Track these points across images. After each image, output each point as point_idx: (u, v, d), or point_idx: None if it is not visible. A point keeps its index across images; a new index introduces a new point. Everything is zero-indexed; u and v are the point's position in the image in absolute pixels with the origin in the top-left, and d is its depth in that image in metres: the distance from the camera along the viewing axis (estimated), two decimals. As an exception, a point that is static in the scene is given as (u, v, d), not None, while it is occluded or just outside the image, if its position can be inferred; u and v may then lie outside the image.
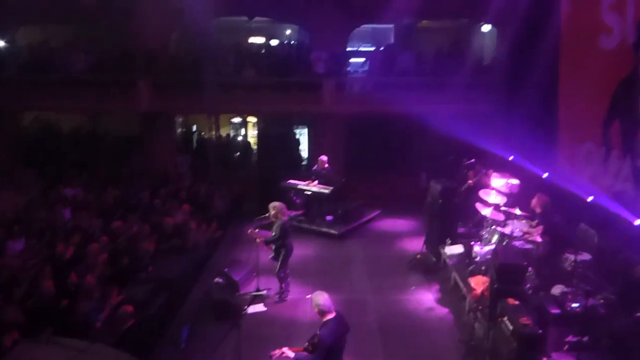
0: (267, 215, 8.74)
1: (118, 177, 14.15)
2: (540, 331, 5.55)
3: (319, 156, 12.41)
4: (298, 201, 12.58)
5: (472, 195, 10.29)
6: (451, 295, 8.85)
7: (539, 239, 7.94)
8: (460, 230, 10.12)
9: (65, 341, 4.11)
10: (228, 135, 18.19)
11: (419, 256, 10.19)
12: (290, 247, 8.66)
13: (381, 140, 15.51)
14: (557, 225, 8.48)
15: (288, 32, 18.70)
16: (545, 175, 10.28)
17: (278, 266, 8.54)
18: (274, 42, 16.86)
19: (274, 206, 8.54)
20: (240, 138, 18.68)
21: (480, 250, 8.51)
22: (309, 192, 12.09)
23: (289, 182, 12.44)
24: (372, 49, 16.01)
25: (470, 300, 7.75)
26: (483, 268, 8.21)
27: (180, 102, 14.69)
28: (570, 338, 6.31)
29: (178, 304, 8.50)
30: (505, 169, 10.44)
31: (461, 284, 8.35)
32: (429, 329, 7.94)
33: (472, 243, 8.88)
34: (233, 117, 18.93)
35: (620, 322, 6.32)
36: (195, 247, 10.12)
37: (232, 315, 7.81)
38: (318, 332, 5.21)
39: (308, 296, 8.57)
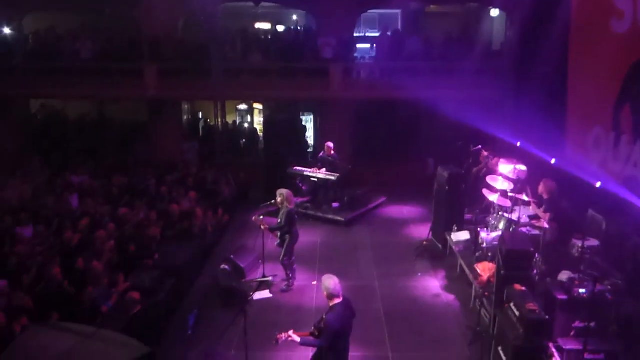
0: (273, 202, 8.73)
1: (124, 164, 14.20)
2: (547, 317, 5.52)
3: (326, 143, 12.35)
4: (304, 188, 12.57)
5: (479, 182, 10.22)
6: (457, 281, 8.83)
7: (546, 225, 7.87)
8: (467, 216, 10.06)
9: (73, 326, 4.14)
10: (234, 122, 18.17)
11: (425, 243, 10.18)
12: (296, 235, 8.65)
13: (388, 126, 15.42)
14: (565, 211, 8.41)
15: (295, 17, 18.56)
16: (553, 161, 10.17)
17: (282, 253, 8.55)
18: (281, 28, 16.73)
19: (281, 193, 8.52)
20: (246, 125, 18.66)
21: (487, 236, 8.46)
22: (316, 179, 12.06)
23: (296, 169, 12.42)
24: (379, 34, 15.84)
25: (477, 286, 7.73)
26: (490, 254, 8.18)
27: (186, 89, 14.67)
28: (577, 324, 6.27)
29: (185, 291, 8.57)
30: (513, 154, 10.33)
31: (467, 271, 8.32)
32: (435, 315, 7.94)
33: (479, 229, 8.83)
34: (239, 104, 18.90)
35: (628, 308, 6.28)
36: (202, 234, 10.16)
37: (239, 301, 7.83)
38: (324, 317, 5.21)
39: (314, 282, 8.67)
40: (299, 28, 16.65)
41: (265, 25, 17.27)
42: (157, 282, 7.78)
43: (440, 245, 9.89)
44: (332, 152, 12.13)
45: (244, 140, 17.17)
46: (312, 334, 5.33)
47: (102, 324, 6.68)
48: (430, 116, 14.04)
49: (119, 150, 15.73)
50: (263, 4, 15.75)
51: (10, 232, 9.22)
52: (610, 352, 5.77)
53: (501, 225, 8.58)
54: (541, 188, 8.37)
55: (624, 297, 6.50)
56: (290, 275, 8.69)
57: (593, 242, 7.51)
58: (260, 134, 16.96)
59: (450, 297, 8.43)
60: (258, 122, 18.45)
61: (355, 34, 15.86)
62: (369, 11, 16.01)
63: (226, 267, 8.79)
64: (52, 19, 16.19)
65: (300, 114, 16.82)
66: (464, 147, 12.18)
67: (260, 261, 9.14)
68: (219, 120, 14.95)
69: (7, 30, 15.67)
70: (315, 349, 5.47)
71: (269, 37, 15.96)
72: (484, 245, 8.38)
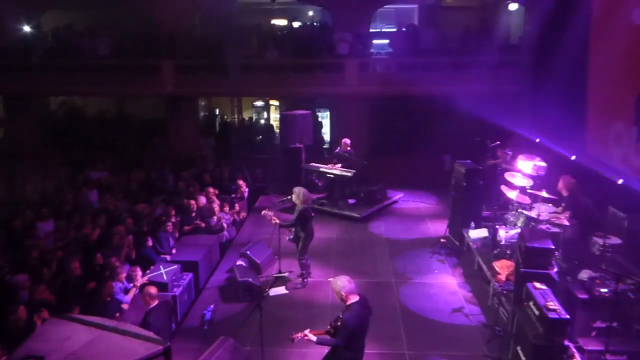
0: (289, 198, 8.72)
1: (142, 160, 14.33)
2: (568, 316, 5.43)
3: (342, 139, 12.31)
4: (320, 184, 12.56)
5: (497, 178, 10.10)
6: (475, 279, 8.74)
7: (566, 223, 7.74)
8: (485, 213, 9.95)
9: (92, 319, 4.18)
10: (251, 118, 18.23)
11: (442, 240, 10.10)
12: (311, 232, 8.60)
13: (404, 122, 15.34)
14: (586, 208, 8.25)
15: (310, 13, 18.53)
16: (573, 157, 10.01)
17: (299, 251, 8.54)
18: (297, 24, 16.71)
19: (297, 192, 8.48)
20: (262, 121, 18.70)
21: (505, 233, 8.36)
22: (332, 175, 12.03)
23: (312, 165, 12.40)
24: (396, 29, 15.73)
25: (495, 284, 7.64)
26: (508, 252, 8.08)
27: (203, 86, 14.76)
28: (598, 324, 6.17)
29: (201, 286, 8.62)
30: (532, 150, 10.18)
31: (485, 268, 8.23)
32: (452, 313, 7.85)
33: (497, 226, 8.72)
34: (255, 100, 18.96)
35: (651, 308, 6.15)
36: (219, 230, 10.22)
37: (254, 297, 7.88)
38: (341, 316, 5.18)
39: (329, 279, 8.65)
40: (314, 24, 16.61)
41: (281, 22, 17.27)
42: (175, 276, 7.84)
43: (457, 242, 9.80)
44: (349, 148, 12.09)
45: (260, 137, 17.21)
46: (327, 332, 5.30)
47: (120, 318, 6.77)
48: (446, 111, 13.93)
49: (137, 147, 15.88)
50: (279, 0, 15.73)
51: (32, 227, 9.37)
52: (633, 353, 5.67)
53: (520, 223, 8.47)
54: (560, 184, 8.24)
55: (647, 297, 6.37)
56: (305, 271, 8.69)
57: (615, 240, 7.36)
58: (277, 130, 16.98)
59: (467, 295, 8.35)
60: (274, 118, 18.49)
61: (371, 30, 15.77)
62: (385, 6, 15.89)
63: (242, 262, 8.84)
64: (70, 16, 16.40)
65: (317, 110, 16.81)
66: (481, 142, 12.05)
67: (276, 257, 9.17)
68: (236, 116, 15.00)
69: (26, 28, 15.90)
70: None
71: (285, 33, 15.96)
72: (502, 242, 8.28)
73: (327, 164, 12.21)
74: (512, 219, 8.70)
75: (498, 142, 11.20)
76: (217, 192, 11.52)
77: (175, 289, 7.67)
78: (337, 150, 12.34)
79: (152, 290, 6.38)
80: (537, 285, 5.97)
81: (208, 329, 7.34)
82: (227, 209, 11.00)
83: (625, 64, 8.91)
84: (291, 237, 8.63)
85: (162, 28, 14.96)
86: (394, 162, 13.94)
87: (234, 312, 7.80)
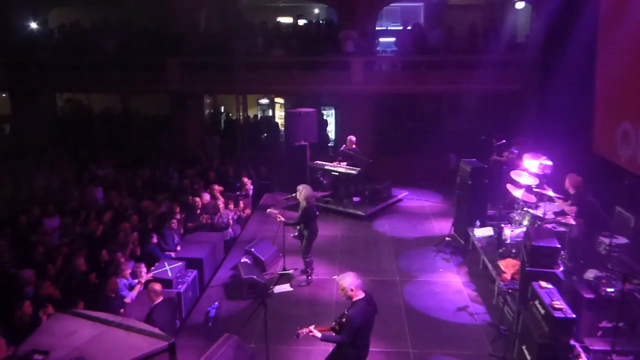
0: (293, 195, 8.71)
1: (148, 157, 14.36)
2: (574, 316, 5.39)
3: (347, 136, 12.29)
4: (325, 182, 12.54)
5: (502, 177, 10.06)
6: (480, 278, 8.71)
7: (572, 222, 7.70)
8: (490, 212, 9.91)
9: (97, 315, 4.19)
10: (256, 116, 18.24)
11: (447, 238, 10.06)
12: (315, 230, 8.59)
13: (410, 120, 15.31)
14: (592, 207, 8.21)
15: (316, 11, 18.51)
16: (579, 156, 9.94)
17: (303, 249, 8.53)
18: (302, 22, 16.70)
19: (301, 191, 8.46)
20: (268, 119, 18.70)
21: (510, 232, 8.32)
22: (336, 173, 12.02)
23: (316, 163, 12.39)
24: (401, 27, 15.69)
25: (500, 283, 7.61)
26: (514, 251, 8.05)
27: (208, 83, 14.77)
28: (604, 324, 6.14)
29: (206, 283, 8.63)
30: (538, 149, 10.13)
31: (490, 267, 8.19)
32: (457, 311, 7.82)
33: (502, 225, 8.69)
34: (261, 98, 18.97)
35: (658, 308, 6.11)
36: (223, 227, 10.23)
37: (259, 294, 7.88)
38: (346, 312, 5.18)
39: (334, 277, 8.63)
40: (320, 22, 16.60)
41: (286, 19, 17.27)
42: (179, 273, 7.85)
43: (462, 241, 9.76)
44: (354, 145, 12.06)
45: (265, 134, 17.21)
46: (332, 329, 5.30)
47: (125, 314, 6.79)
48: (452, 110, 13.92)
49: (142, 143, 15.92)
50: (285, -2, 15.76)
51: (38, 223, 9.40)
52: (639, 354, 5.61)
53: (525, 221, 8.44)
54: (567, 183, 8.20)
55: (654, 297, 6.32)
56: (308, 269, 8.68)
57: (621, 239, 7.33)
58: (282, 128, 16.98)
59: (472, 294, 8.32)
60: (279, 115, 18.48)
61: (377, 28, 15.73)
62: (390, 4, 15.85)
63: (247, 259, 8.84)
64: (77, 13, 16.44)
65: (322, 108, 16.80)
66: (487, 141, 12.01)
67: (280, 254, 9.16)
68: (241, 113, 15.01)
69: (33, 25, 15.96)
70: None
71: (291, 31, 15.94)
72: (508, 241, 8.25)
73: (332, 162, 12.19)
74: (517, 218, 8.67)
75: (504, 141, 11.15)
76: (221, 189, 11.53)
77: (180, 286, 7.69)
78: (342, 148, 12.31)
79: (157, 286, 6.40)
80: (543, 284, 5.93)
81: (212, 325, 7.35)
82: (231, 206, 11.02)
83: (633, 62, 8.84)
84: (295, 234, 8.63)
85: (168, 25, 14.99)
86: (399, 160, 13.92)
87: (238, 309, 7.81)
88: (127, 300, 7.23)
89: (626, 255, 7.26)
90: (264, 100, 19.07)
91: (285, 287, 8.43)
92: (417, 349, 6.90)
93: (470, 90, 13.54)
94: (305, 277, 8.66)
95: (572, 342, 5.49)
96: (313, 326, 5.29)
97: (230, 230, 10.39)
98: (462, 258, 9.51)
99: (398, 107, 15.22)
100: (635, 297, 6.18)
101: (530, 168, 9.07)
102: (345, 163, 11.95)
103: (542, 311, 5.56)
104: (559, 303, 5.46)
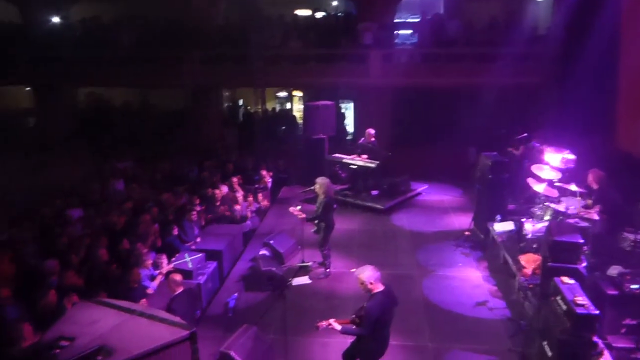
0: (312, 188, 8.72)
1: (167, 150, 14.50)
2: (597, 312, 5.31)
3: (365, 129, 12.25)
4: (343, 175, 12.53)
5: (523, 171, 9.93)
6: (500, 273, 8.62)
7: (595, 217, 7.57)
8: (511, 206, 9.79)
9: (120, 303, 4.26)
10: (274, 109, 18.27)
11: (466, 232, 9.98)
12: (331, 223, 8.59)
13: (428, 113, 15.17)
14: (616, 202, 8.05)
15: (334, 3, 18.42)
16: (600, 150, 9.76)
17: (320, 242, 8.54)
18: (320, 15, 16.64)
19: (321, 183, 8.46)
20: (286, 112, 18.73)
21: (531, 227, 8.21)
22: (355, 166, 11.98)
23: (335, 156, 12.37)
24: (420, 19, 15.54)
25: (521, 278, 7.53)
26: (535, 246, 7.93)
27: (226, 76, 14.82)
28: (628, 321, 6.03)
29: (225, 274, 8.71)
30: (561, 143, 9.98)
31: (511, 262, 8.10)
32: (476, 306, 7.77)
33: (523, 220, 8.58)
34: (279, 91, 19.00)
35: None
36: (242, 219, 10.29)
37: (278, 286, 7.92)
38: (365, 305, 5.18)
39: (352, 270, 8.63)
40: (338, 14, 16.52)
41: (304, 12, 17.22)
42: (199, 265, 7.93)
43: (482, 236, 9.67)
44: (373, 138, 12.01)
45: (284, 127, 17.24)
46: (352, 322, 5.31)
47: (146, 304, 6.89)
48: (472, 103, 13.73)
49: (162, 136, 16.08)
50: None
51: (61, 214, 9.57)
52: (663, 351, 5.52)
53: (547, 216, 8.31)
54: (590, 178, 8.06)
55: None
56: (326, 262, 8.70)
57: (646, 235, 7.17)
58: (299, 121, 16.98)
59: (491, 288, 8.25)
60: (297, 108, 18.49)
61: (395, 20, 15.59)
62: (410, -4, 15.72)
63: (265, 252, 8.88)
64: (98, 7, 16.62)
65: (340, 101, 16.75)
66: (507, 134, 11.86)
67: (299, 247, 9.19)
68: (259, 107, 15.04)
69: (56, 20, 16.19)
70: (354, 337, 5.46)
71: (309, 24, 15.89)
72: (529, 236, 8.13)
73: (350, 155, 12.16)
74: (539, 213, 8.55)
75: (525, 134, 11.00)
76: (240, 181, 11.59)
77: (200, 277, 7.77)
78: (360, 141, 12.27)
79: (177, 277, 6.48)
80: (565, 279, 5.85)
81: (232, 316, 7.41)
82: (250, 198, 11.07)
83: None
84: (315, 229, 8.64)
85: (186, 19, 15.06)
86: (418, 153, 13.81)
87: (257, 300, 7.86)
88: (149, 290, 7.34)
89: (651, 251, 7.10)
90: (282, 93, 19.11)
91: (304, 280, 8.46)
92: (435, 343, 6.88)
93: (490, 83, 13.36)
94: (323, 269, 8.68)
95: (594, 339, 5.41)
96: (333, 319, 5.30)
97: (249, 222, 10.46)
98: (481, 252, 9.43)
99: (417, 100, 15.08)
100: (660, 294, 6.07)
101: (552, 162, 8.94)
102: (364, 156, 11.91)
103: (564, 307, 5.48)
104: (581, 299, 5.38)
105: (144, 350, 3.52)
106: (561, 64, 12.90)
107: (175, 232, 8.86)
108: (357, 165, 11.90)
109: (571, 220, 7.76)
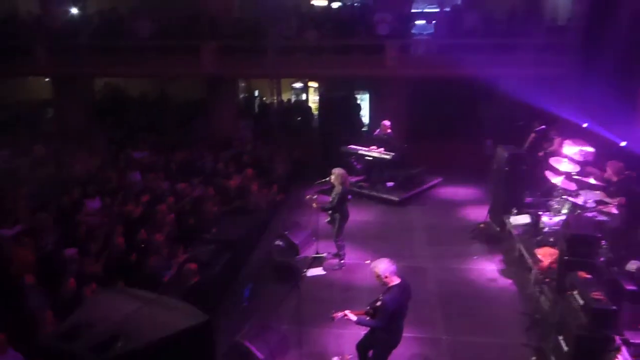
0: (327, 179, 8.72)
1: (183, 141, 14.59)
2: (614, 307, 5.25)
3: (381, 121, 12.18)
4: (359, 167, 12.49)
5: (541, 163, 9.80)
6: (515, 266, 8.56)
7: (614, 211, 7.46)
8: (527, 199, 9.69)
9: (137, 292, 4.32)
10: (289, 100, 18.25)
11: (482, 225, 9.91)
12: (346, 214, 8.60)
13: (445, 105, 15.00)
14: (636, 196, 7.92)
15: (351, -7, 18.24)
16: (623, 143, 9.59)
17: (335, 233, 8.56)
18: (336, 5, 16.53)
19: (337, 173, 8.46)
20: (301, 103, 18.69)
21: (548, 220, 8.13)
22: (370, 158, 11.95)
23: (350, 147, 12.33)
24: (438, 10, 15.35)
25: (537, 272, 7.47)
26: (551, 239, 7.85)
27: (242, 67, 14.80)
28: (646, 317, 5.95)
29: (240, 264, 8.77)
30: (579, 136, 9.82)
31: (527, 255, 8.04)
32: (491, 299, 7.75)
33: (540, 213, 8.49)
34: (294, 82, 18.95)
35: None
36: (257, 210, 10.33)
37: (292, 277, 7.96)
38: (381, 297, 5.19)
39: (367, 262, 8.64)
40: (354, 4, 16.38)
41: (320, 2, 17.11)
42: (214, 255, 8.00)
43: (497, 228, 9.60)
44: (389, 130, 11.95)
45: (299, 118, 17.22)
46: (367, 313, 5.33)
47: (162, 292, 6.98)
48: (489, 95, 13.56)
49: (178, 127, 16.16)
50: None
51: (79, 204, 9.70)
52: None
53: (565, 209, 8.21)
54: (609, 171, 7.94)
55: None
56: (340, 253, 8.71)
57: (666, 230, 7.06)
58: (315, 112, 16.95)
59: (507, 282, 8.20)
60: (313, 100, 18.45)
61: (413, 10, 15.43)
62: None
63: (280, 243, 8.91)
64: (115, -2, 16.69)
65: (356, 92, 16.67)
66: (525, 127, 11.70)
67: (313, 238, 9.21)
68: (275, 98, 15.03)
69: (74, 10, 16.32)
70: (368, 328, 5.47)
71: (325, 14, 15.79)
72: (546, 229, 8.06)
73: (365, 146, 12.11)
74: (556, 206, 8.44)
75: (544, 127, 10.85)
76: (255, 172, 11.63)
77: (215, 267, 7.82)
78: (376, 133, 12.22)
79: (193, 267, 6.54)
80: (582, 274, 5.79)
81: (246, 306, 7.46)
82: (265, 189, 11.10)
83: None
84: (329, 219, 8.65)
85: (202, 9, 15.06)
86: (434, 145, 13.70)
87: (271, 291, 7.91)
88: (165, 279, 7.42)
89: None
90: (298, 84, 19.05)
91: (318, 271, 8.49)
92: (449, 335, 6.89)
93: (509, 74, 13.16)
94: (337, 261, 8.69)
95: (612, 334, 5.35)
96: (348, 310, 5.32)
97: (263, 213, 10.49)
98: (497, 246, 9.36)
99: (433, 92, 14.93)
100: (680, 289, 5.97)
101: (570, 155, 8.82)
102: (380, 148, 11.86)
103: (581, 302, 5.43)
104: (598, 294, 5.33)
105: (161, 337, 3.57)
106: (582, 54, 12.66)
107: (191, 222, 8.93)
108: (373, 157, 11.87)
109: (589, 214, 7.67)
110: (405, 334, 5.58)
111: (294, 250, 8.96)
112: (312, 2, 17.09)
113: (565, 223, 6.87)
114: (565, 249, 6.29)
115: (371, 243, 9.51)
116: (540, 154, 10.62)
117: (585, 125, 10.79)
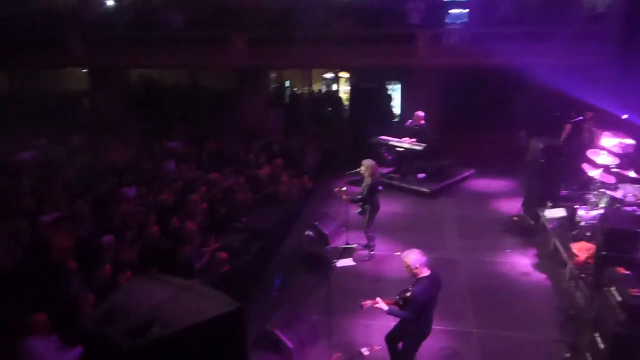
0: (358, 170, 8.70)
1: (215, 131, 14.75)
2: (654, 305, 5.09)
3: (413, 112, 12.04)
4: (389, 157, 12.40)
5: (578, 155, 9.54)
6: (549, 260, 8.38)
7: (655, 205, 7.23)
8: (563, 192, 9.45)
9: (171, 279, 4.40)
10: (320, 90, 18.23)
11: (515, 218, 9.73)
12: (377, 205, 8.57)
13: (478, 95, 14.72)
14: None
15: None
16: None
17: (366, 224, 8.54)
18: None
19: (367, 165, 8.43)
20: (332, 93, 18.64)
21: (585, 214, 7.92)
22: (401, 149, 11.84)
23: (381, 138, 12.25)
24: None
25: (572, 267, 7.29)
26: (588, 234, 7.65)
27: (273, 57, 14.85)
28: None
29: (270, 254, 8.85)
30: (619, 127, 9.50)
31: (562, 250, 7.85)
32: (524, 293, 7.61)
33: (576, 207, 8.27)
34: (325, 72, 18.90)
35: None
36: (287, 200, 10.39)
37: (322, 267, 7.99)
38: (411, 288, 5.16)
39: (397, 253, 8.61)
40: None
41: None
42: (245, 244, 8.09)
43: (532, 222, 9.40)
44: (422, 121, 11.80)
45: (330, 109, 17.19)
46: (396, 303, 5.31)
47: (194, 280, 7.11)
48: (523, 85, 13.25)
49: (210, 117, 16.36)
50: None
51: (116, 192, 9.94)
52: None
53: (602, 203, 7.98)
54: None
55: None
56: (370, 244, 8.69)
57: None
58: (346, 102, 16.89)
59: (541, 276, 8.04)
60: (344, 90, 18.38)
61: (445, -2, 15.16)
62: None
63: (310, 233, 8.94)
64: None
65: (387, 82, 16.51)
66: (562, 117, 11.39)
67: (343, 229, 9.21)
68: (305, 88, 15.03)
69: (109, 2, 16.64)
70: (397, 319, 5.46)
71: (355, 3, 15.64)
72: (582, 223, 7.85)
73: (396, 137, 12.00)
74: (593, 200, 8.22)
75: (581, 117, 10.54)
76: (285, 163, 11.68)
77: (246, 256, 7.92)
78: (408, 123, 12.09)
79: (224, 255, 6.64)
80: (620, 270, 5.63)
81: (276, 296, 7.55)
82: (295, 180, 11.15)
83: None
84: (359, 210, 8.64)
85: (232, 0, 15.13)
86: (466, 136, 13.47)
87: (301, 281, 7.96)
88: (197, 267, 7.54)
89: None
90: (329, 75, 19.00)
91: (348, 262, 8.50)
92: (480, 329, 6.81)
93: (544, 63, 12.81)
94: (367, 252, 8.69)
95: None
96: (379, 298, 5.31)
97: (294, 203, 10.54)
98: (531, 239, 9.18)
99: (466, 82, 14.66)
100: None
101: (609, 147, 8.55)
102: (411, 139, 11.73)
103: (619, 298, 5.29)
104: (637, 291, 5.17)
105: (195, 323, 3.62)
106: (621, 43, 12.21)
107: (222, 211, 9.04)
108: (404, 148, 11.76)
109: (629, 208, 7.44)
110: (435, 327, 5.54)
111: (324, 241, 8.98)
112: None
113: (603, 217, 6.68)
114: (603, 244, 6.12)
115: (401, 234, 9.46)
116: (577, 145, 10.34)
117: (625, 116, 10.43)
